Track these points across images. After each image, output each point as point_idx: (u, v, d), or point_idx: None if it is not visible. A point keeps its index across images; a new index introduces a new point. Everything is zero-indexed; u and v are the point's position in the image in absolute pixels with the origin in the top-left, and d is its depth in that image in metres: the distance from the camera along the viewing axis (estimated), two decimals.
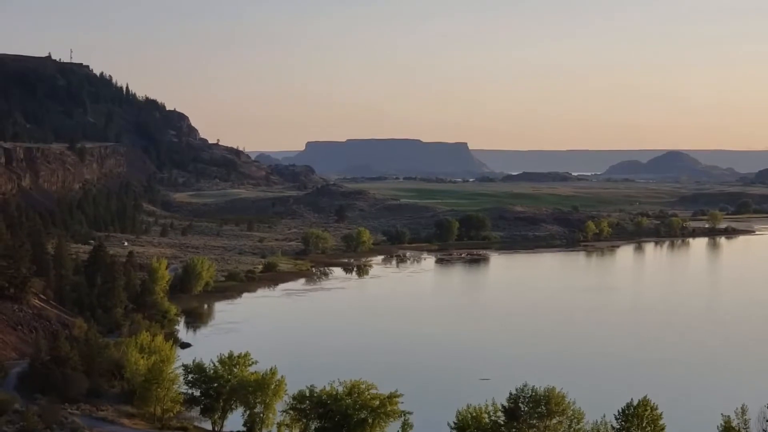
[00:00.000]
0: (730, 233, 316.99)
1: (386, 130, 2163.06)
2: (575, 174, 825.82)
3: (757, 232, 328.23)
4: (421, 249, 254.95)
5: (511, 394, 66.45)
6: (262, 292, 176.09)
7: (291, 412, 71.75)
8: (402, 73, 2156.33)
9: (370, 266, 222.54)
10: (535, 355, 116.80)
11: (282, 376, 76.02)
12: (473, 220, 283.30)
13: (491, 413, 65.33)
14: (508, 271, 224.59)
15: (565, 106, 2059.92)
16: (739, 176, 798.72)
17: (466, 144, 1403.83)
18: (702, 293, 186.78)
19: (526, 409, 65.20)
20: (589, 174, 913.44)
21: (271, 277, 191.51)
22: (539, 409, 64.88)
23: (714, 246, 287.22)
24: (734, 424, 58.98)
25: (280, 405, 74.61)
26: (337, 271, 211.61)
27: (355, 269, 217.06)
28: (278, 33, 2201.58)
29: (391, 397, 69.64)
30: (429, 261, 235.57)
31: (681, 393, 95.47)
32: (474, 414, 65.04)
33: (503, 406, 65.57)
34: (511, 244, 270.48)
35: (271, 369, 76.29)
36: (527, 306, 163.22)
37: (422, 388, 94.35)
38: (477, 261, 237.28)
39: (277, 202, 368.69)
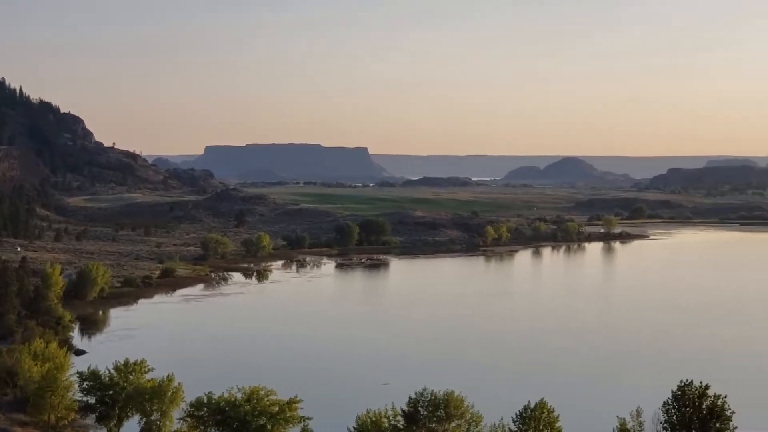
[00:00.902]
0: (625, 238, 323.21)
1: (287, 135, 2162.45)
2: (475, 179, 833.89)
3: (650, 237, 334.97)
4: (321, 254, 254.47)
5: (410, 398, 66.61)
6: (159, 298, 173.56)
7: (188, 419, 70.61)
8: (302, 78, 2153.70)
9: (270, 271, 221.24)
10: (435, 360, 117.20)
11: (179, 383, 74.89)
12: (373, 224, 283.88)
13: (391, 417, 65.35)
14: (409, 276, 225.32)
15: (463, 112, 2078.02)
16: (633, 182, 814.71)
17: (366, 149, 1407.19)
18: (597, 297, 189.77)
19: (425, 413, 65.42)
20: (488, 179, 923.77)
21: (169, 282, 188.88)
22: (438, 413, 65.19)
23: (609, 250, 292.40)
24: (629, 426, 59.85)
25: (177, 412, 73.39)
26: (237, 276, 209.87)
27: (254, 274, 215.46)
28: (176, 37, 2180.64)
29: (291, 402, 69.04)
30: (329, 266, 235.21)
31: (578, 395, 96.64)
32: (374, 419, 64.95)
33: (403, 411, 65.67)
34: (411, 249, 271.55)
35: (168, 376, 75.09)
36: (427, 311, 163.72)
37: (322, 393, 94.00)
38: (377, 266, 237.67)
39: (176, 206, 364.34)
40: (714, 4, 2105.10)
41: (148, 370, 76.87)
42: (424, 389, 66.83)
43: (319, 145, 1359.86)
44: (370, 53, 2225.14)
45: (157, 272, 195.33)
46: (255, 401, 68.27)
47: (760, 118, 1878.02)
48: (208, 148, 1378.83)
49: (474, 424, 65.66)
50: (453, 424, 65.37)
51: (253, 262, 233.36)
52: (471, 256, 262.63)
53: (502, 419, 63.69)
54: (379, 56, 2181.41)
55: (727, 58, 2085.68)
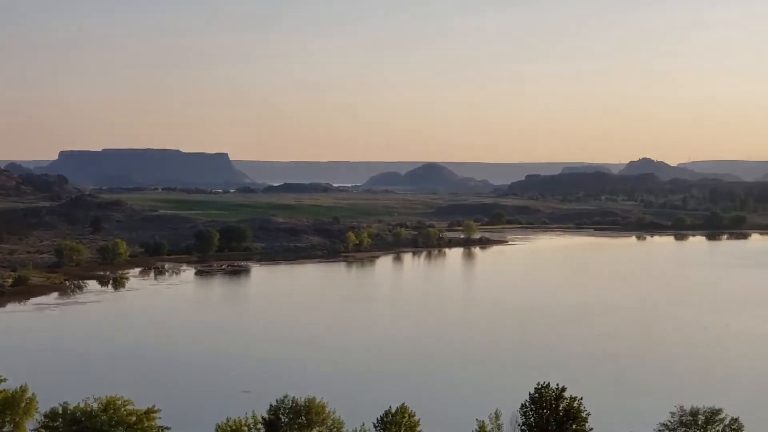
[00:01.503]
0: (485, 243, 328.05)
1: (145, 140, 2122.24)
2: (336, 185, 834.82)
3: (509, 242, 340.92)
4: (180, 261, 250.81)
5: (271, 405, 66.13)
6: (12, 307, 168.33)
7: (43, 430, 68.55)
8: (160, 82, 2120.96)
9: (127, 279, 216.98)
10: (297, 366, 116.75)
11: (33, 394, 72.68)
12: (234, 231, 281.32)
13: (251, 426, 64.70)
14: (270, 282, 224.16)
15: (325, 118, 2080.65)
16: (493, 188, 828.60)
17: (226, 154, 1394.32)
18: (457, 301, 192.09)
19: (286, 420, 65.04)
20: (349, 185, 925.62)
21: (22, 291, 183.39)
22: (299, 420, 64.90)
23: (469, 255, 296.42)
24: (488, 428, 60.57)
25: (31, 424, 71.22)
26: (93, 284, 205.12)
27: (111, 282, 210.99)
28: (29, 38, 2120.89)
29: (149, 412, 67.67)
30: (189, 273, 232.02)
31: (439, 399, 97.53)
32: (233, 427, 64.13)
33: (263, 418, 65.13)
34: (273, 255, 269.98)
35: (21, 387, 72.80)
36: (287, 317, 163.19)
37: (181, 402, 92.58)
38: (238, 272, 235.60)
39: (29, 213, 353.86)
40: (556, 8, 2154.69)
41: (0, 380, 74.43)
42: (285, 396, 66.46)
43: (178, 150, 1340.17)
44: (228, 57, 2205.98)
45: (10, 280, 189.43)
46: (112, 411, 66.71)
47: (614, 127, 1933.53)
48: (62, 153, 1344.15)
49: (336, 430, 65.62)
50: (314, 431, 65.17)
51: (109, 269, 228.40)
52: (332, 262, 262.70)
53: (363, 424, 63.74)
54: (238, 61, 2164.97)
55: (581, 68, 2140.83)
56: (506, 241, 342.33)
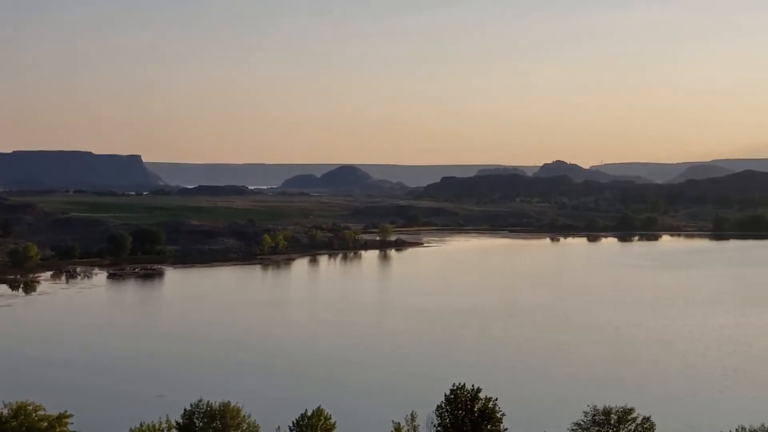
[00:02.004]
0: (400, 245, 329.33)
1: (56, 142, 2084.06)
2: (251, 187, 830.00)
3: (425, 244, 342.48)
4: (92, 264, 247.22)
5: (185, 410, 65.49)
6: None
7: None
8: (71, 83, 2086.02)
9: (39, 282, 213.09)
10: (211, 370, 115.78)
11: None
12: (147, 233, 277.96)
13: (165, 430, 64.00)
14: (183, 286, 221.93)
15: (239, 119, 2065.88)
16: (408, 190, 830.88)
17: (139, 156, 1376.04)
18: (372, 303, 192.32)
19: (201, 424, 64.46)
20: (265, 187, 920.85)
21: None
22: (214, 424, 64.32)
23: (385, 258, 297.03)
24: (404, 430, 60.67)
25: None
26: (3, 288, 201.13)
27: (22, 286, 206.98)
28: None
29: (60, 417, 66.54)
30: (101, 276, 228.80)
31: (356, 401, 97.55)
32: None
33: (177, 423, 64.47)
34: (187, 258, 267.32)
35: None
36: (202, 321, 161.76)
37: (94, 407, 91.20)
38: (151, 276, 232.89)
39: None
40: (467, 12, 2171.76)
41: None
42: (200, 400, 65.89)
43: (89, 152, 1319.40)
44: (140, 58, 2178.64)
45: None
46: (23, 417, 65.49)
47: (528, 130, 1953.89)
48: None
49: None
50: None
51: (20, 273, 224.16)
52: (248, 264, 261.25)
53: (279, 428, 63.43)
54: (150, 61, 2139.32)
55: (494, 71, 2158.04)
56: (422, 243, 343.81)
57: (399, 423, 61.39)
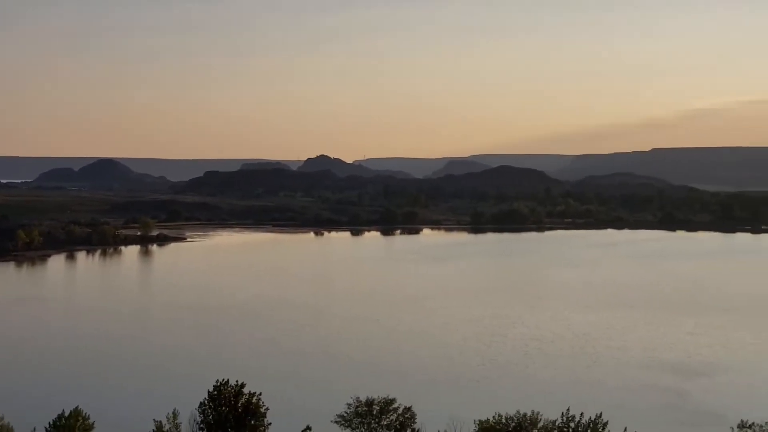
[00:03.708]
0: (162, 240, 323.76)
1: None
2: (4, 181, 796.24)
3: (188, 239, 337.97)
4: None
5: None
6: None
7: None
8: None
9: None
10: None
11: None
12: None
13: None
14: None
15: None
16: (171, 184, 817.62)
17: None
18: (132, 300, 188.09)
19: None
20: (18, 181, 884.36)
21: None
22: None
23: (146, 253, 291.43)
24: (166, 428, 59.35)
25: None
26: None
27: None
28: None
29: None
30: None
31: (115, 401, 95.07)
32: None
33: None
34: None
35: None
36: None
37: None
38: None
39: None
40: (231, 5, 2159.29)
41: None
42: None
43: None
44: None
45: None
46: None
47: (292, 124, 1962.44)
48: None
49: None
50: None
51: None
52: (1, 261, 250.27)
53: (34, 429, 60.86)
54: None
55: (256, 66, 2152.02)
56: (184, 239, 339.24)
57: (160, 421, 60.01)
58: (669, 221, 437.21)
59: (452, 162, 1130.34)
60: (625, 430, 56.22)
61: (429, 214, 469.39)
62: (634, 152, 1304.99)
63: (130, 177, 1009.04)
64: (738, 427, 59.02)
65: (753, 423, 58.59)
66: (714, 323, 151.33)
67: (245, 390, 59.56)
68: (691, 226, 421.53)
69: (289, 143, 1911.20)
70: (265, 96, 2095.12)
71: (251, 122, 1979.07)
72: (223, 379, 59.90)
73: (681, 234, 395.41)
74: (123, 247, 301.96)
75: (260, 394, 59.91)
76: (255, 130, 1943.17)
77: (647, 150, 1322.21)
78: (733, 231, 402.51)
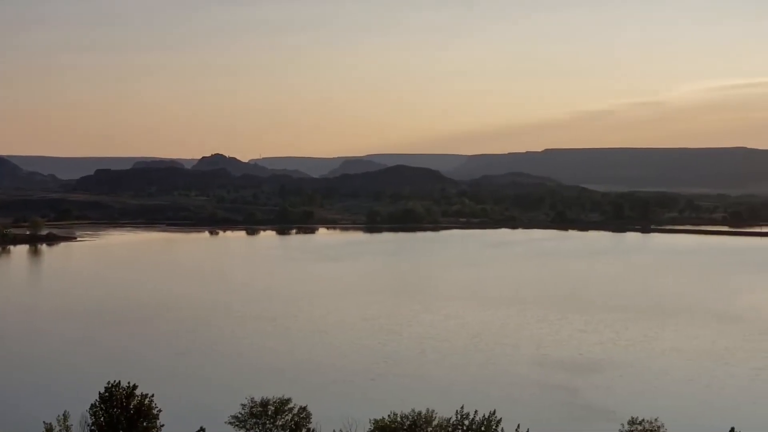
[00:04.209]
0: (52, 240, 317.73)
1: None
2: None
3: (78, 239, 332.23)
4: None
5: None
6: None
7: None
8: None
9: None
10: None
11: None
12: None
13: None
14: None
15: None
16: (61, 183, 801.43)
17: None
18: (17, 302, 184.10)
19: None
20: None
21: None
22: None
23: (35, 253, 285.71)
24: (56, 431, 58.19)
25: None
26: None
27: None
28: None
29: None
30: None
31: (3, 401, 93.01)
32: None
33: None
34: None
35: None
36: None
37: None
38: None
39: None
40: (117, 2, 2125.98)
41: None
42: None
43: None
44: None
45: None
46: None
47: (186, 122, 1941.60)
48: None
49: None
50: None
51: None
52: None
53: None
54: None
55: (152, 61, 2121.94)
56: (75, 238, 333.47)
57: (50, 423, 58.78)
58: (561, 220, 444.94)
59: (348, 161, 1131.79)
60: (518, 426, 56.85)
61: (325, 213, 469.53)
62: (527, 152, 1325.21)
63: (18, 175, 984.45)
64: (628, 423, 60.15)
65: (643, 419, 59.76)
66: (604, 321, 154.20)
67: (137, 391, 58.74)
68: (583, 226, 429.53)
69: (183, 141, 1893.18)
70: (158, 93, 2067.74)
71: (144, 119, 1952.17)
72: (114, 381, 58.97)
73: (573, 233, 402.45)
74: (11, 247, 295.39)
75: (153, 395, 59.14)
76: (148, 127, 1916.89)
77: (540, 150, 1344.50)
78: (624, 230, 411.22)
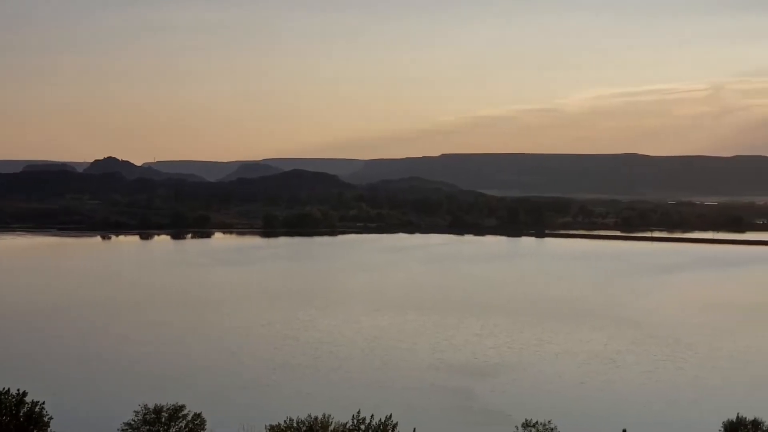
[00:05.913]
0: None
1: None
2: None
3: None
4: None
5: None
6: None
7: None
8: None
9: None
10: None
11: None
12: None
13: None
14: None
15: None
16: None
17: None
18: None
19: None
20: None
21: None
22: None
23: None
24: None
25: None
26: None
27: None
28: None
29: None
30: None
31: None
32: None
33: None
34: None
35: None
36: None
37: None
38: None
39: None
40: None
41: None
42: None
43: None
44: None
45: None
46: None
47: (78, 124, 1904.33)
48: None
49: None
50: None
51: None
52: None
53: None
54: None
55: (50, 63, 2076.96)
56: None
57: None
58: (458, 225, 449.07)
59: (244, 166, 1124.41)
60: (414, 430, 57.13)
61: (221, 218, 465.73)
62: (424, 157, 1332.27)
63: None
64: (522, 426, 60.87)
65: (537, 422, 60.55)
66: (499, 325, 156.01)
67: (27, 399, 57.54)
68: (479, 230, 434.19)
69: (74, 144, 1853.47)
70: (49, 95, 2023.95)
71: (35, 122, 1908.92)
72: (3, 388, 57.65)
73: (469, 238, 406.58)
74: None
75: (44, 402, 58.01)
76: (39, 129, 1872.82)
77: (437, 155, 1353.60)
78: (519, 235, 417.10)
